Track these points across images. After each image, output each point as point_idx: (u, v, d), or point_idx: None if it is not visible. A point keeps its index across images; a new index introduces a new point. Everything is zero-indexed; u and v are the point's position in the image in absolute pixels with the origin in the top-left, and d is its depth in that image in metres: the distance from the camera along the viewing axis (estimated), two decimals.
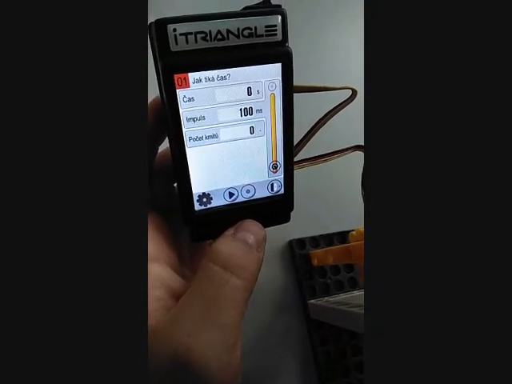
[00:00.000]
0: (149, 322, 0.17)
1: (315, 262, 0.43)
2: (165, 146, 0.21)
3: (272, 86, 0.18)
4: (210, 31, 0.16)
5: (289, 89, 0.18)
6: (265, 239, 0.20)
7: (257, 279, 0.19)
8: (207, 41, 0.16)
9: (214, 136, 0.18)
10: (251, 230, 0.20)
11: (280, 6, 0.17)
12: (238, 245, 0.19)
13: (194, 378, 0.16)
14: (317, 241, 0.46)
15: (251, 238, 0.19)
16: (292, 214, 0.22)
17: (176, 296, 0.18)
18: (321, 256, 0.42)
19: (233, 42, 0.17)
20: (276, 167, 0.20)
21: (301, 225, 0.44)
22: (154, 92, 0.19)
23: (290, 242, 0.45)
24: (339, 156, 0.25)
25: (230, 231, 0.20)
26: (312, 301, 0.43)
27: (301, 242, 0.45)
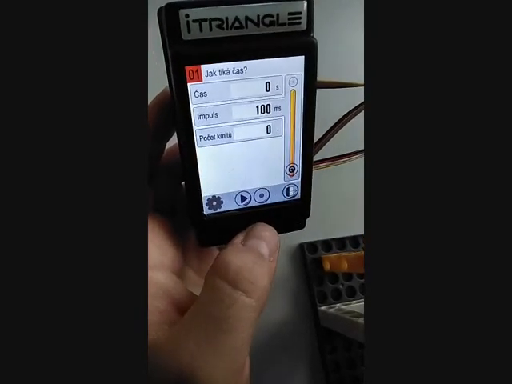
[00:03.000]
0: (150, 336, 0.15)
1: (327, 267, 0.41)
2: (173, 141, 0.19)
3: (293, 82, 0.16)
4: (226, 18, 0.14)
5: (311, 85, 0.17)
6: (278, 246, 0.18)
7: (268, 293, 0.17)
8: (223, 29, 0.15)
9: (227, 135, 0.17)
10: (263, 236, 0.18)
11: None
12: (248, 255, 0.17)
13: None
14: (329, 244, 0.44)
15: (263, 247, 0.17)
16: None
17: (180, 307, 0.17)
18: (334, 261, 0.41)
19: (252, 30, 0.15)
20: (293, 170, 0.19)
21: (312, 227, 0.42)
22: (154, 88, 0.17)
23: (301, 246, 0.44)
24: (358, 157, 0.23)
25: (240, 238, 0.18)
26: (323, 308, 0.41)
27: (312, 246, 0.44)
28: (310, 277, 0.42)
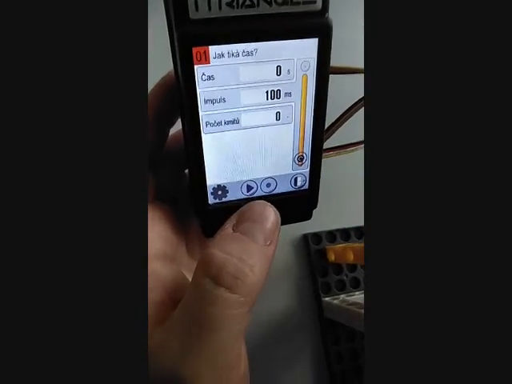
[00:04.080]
0: None
1: (332, 258, 0.41)
2: (177, 127, 0.19)
3: (305, 66, 0.15)
4: None
5: (324, 70, 0.16)
6: (277, 226, 0.16)
7: (264, 282, 0.15)
8: (233, 7, 0.14)
9: (235, 121, 0.16)
10: (258, 218, 0.16)
11: None
12: (236, 245, 0.15)
13: None
14: (333, 235, 0.44)
15: (257, 231, 0.15)
16: None
17: (178, 300, 0.16)
18: (339, 252, 0.40)
19: (263, 9, 0.14)
20: (302, 159, 0.18)
21: (316, 218, 0.41)
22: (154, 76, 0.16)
23: (305, 236, 0.43)
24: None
25: (232, 222, 0.16)
26: (327, 299, 0.41)
27: (316, 236, 0.43)
28: (314, 268, 0.42)
